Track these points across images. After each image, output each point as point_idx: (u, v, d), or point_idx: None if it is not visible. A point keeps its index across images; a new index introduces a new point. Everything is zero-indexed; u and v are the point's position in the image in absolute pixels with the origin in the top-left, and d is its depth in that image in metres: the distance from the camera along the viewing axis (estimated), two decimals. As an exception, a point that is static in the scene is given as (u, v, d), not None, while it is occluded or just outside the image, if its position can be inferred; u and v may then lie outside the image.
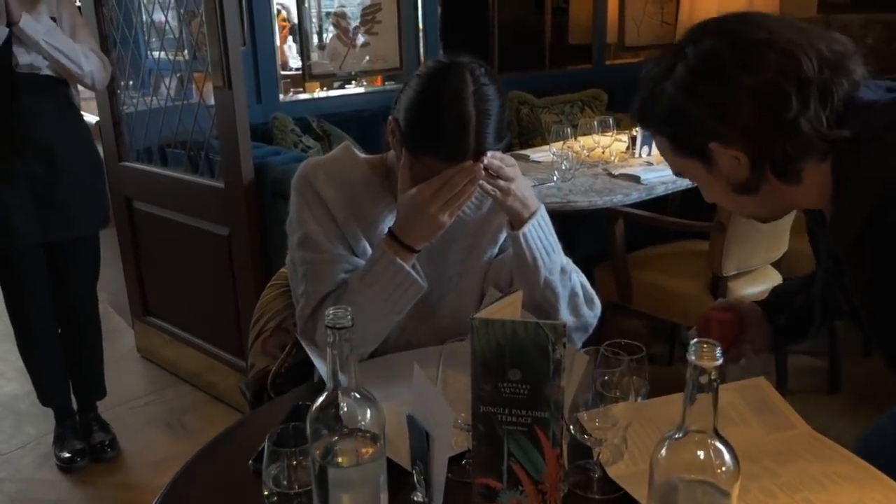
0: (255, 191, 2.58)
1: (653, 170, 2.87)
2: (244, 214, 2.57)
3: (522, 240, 1.35)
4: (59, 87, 2.39)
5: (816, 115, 0.99)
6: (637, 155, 3.16)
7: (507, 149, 3.88)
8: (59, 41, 2.29)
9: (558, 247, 1.40)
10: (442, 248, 1.48)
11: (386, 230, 1.41)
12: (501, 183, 1.31)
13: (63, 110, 2.41)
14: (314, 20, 3.66)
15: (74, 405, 2.77)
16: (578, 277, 1.43)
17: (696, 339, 0.77)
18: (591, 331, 1.45)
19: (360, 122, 3.67)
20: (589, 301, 1.44)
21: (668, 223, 2.64)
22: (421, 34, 3.95)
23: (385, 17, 3.87)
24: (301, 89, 3.76)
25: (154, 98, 2.99)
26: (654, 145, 3.19)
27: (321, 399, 0.90)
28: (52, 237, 2.44)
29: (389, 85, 4.02)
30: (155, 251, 3.14)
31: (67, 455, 2.62)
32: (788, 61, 0.98)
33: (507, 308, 1.07)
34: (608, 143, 3.13)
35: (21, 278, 2.46)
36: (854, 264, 1.07)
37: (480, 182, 1.28)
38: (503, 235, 1.49)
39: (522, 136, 4.01)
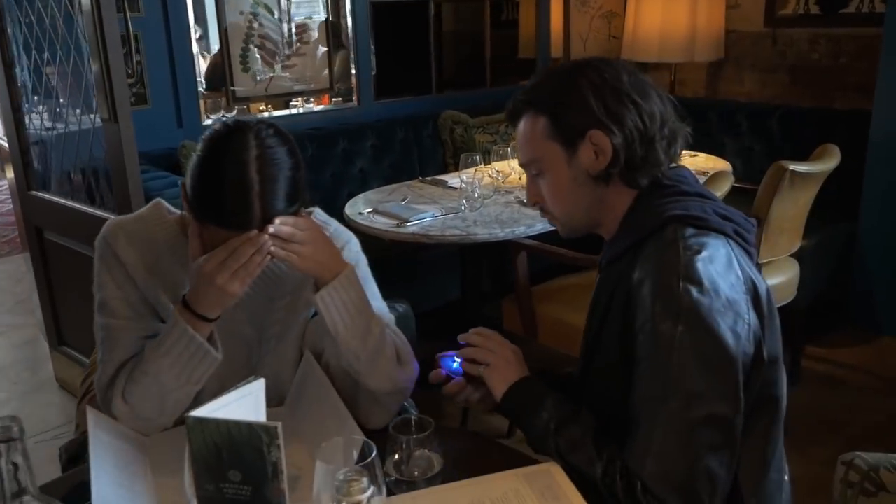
0: (147, 225, 2.52)
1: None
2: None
3: (320, 303, 1.30)
4: None
5: (665, 146, 1.22)
6: (556, 180, 3.09)
7: (442, 169, 3.82)
8: None
9: (366, 309, 1.33)
10: (261, 308, 1.43)
11: None
12: (296, 247, 1.25)
13: None
14: (238, 42, 3.60)
15: None
16: (392, 338, 1.38)
17: (343, 472, 0.72)
18: (407, 394, 1.40)
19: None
20: (404, 363, 1.38)
21: (565, 257, 2.58)
22: (352, 53, 3.89)
23: (313, 37, 3.82)
24: (239, 110, 3.70)
25: (56, 123, 2.94)
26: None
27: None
28: None
29: (337, 104, 3.98)
30: (66, 281, 3.09)
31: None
32: (664, 104, 1.24)
33: (248, 399, 1.02)
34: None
35: None
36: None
37: (271, 249, 1.23)
38: None
39: (457, 156, 3.95)
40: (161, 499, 1.16)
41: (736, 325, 1.10)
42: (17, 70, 3.12)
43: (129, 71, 2.43)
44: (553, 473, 1.17)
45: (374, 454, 1.01)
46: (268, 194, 1.20)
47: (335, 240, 1.41)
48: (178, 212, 1.43)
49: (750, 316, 1.13)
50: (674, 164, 1.26)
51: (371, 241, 2.74)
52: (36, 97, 3.11)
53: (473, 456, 1.28)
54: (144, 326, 1.35)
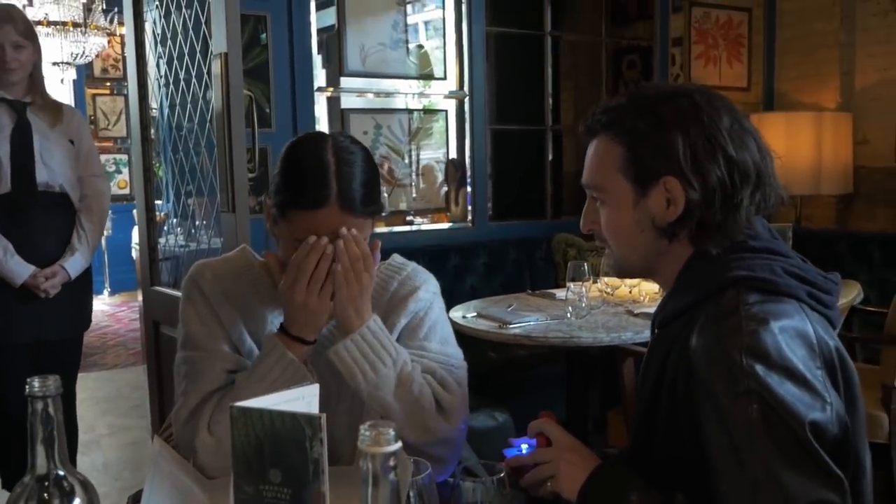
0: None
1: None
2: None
3: (334, 358, 1.25)
4: (67, 202, 2.64)
5: (751, 212, 1.08)
6: (670, 296, 2.96)
7: (553, 285, 3.71)
8: (91, 247, 2.70)
9: (391, 358, 1.26)
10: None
11: (274, 330, 1.34)
12: (358, 272, 1.22)
13: (69, 225, 2.66)
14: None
15: None
16: (434, 388, 1.29)
17: (369, 423, 0.64)
18: (455, 445, 1.30)
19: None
20: (443, 412, 1.29)
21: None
22: (469, 176, 3.99)
23: (437, 178, 3.99)
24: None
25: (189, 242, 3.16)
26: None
27: (21, 486, 0.80)
28: (44, 336, 2.63)
29: (458, 224, 4.09)
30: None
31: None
32: (764, 160, 1.08)
33: (299, 402, 0.95)
34: (635, 283, 2.96)
35: (10, 372, 2.58)
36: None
37: (336, 269, 1.21)
38: (403, 322, 1.37)
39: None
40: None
41: (815, 405, 0.95)
42: (163, 201, 3.45)
43: (251, 166, 2.58)
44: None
45: (428, 471, 0.91)
46: (344, 177, 1.22)
47: (412, 279, 1.38)
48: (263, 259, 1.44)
49: (830, 395, 0.97)
50: None
51: (474, 350, 2.69)
52: (175, 220, 3.41)
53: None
54: (227, 359, 1.33)
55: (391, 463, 0.62)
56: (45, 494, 0.80)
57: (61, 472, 0.80)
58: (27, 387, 0.78)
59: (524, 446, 1.23)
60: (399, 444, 0.62)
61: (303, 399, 0.96)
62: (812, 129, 4.09)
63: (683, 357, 1.03)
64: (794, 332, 0.98)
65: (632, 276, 1.20)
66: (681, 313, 1.09)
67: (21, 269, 2.51)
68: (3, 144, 2.48)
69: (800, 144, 4.10)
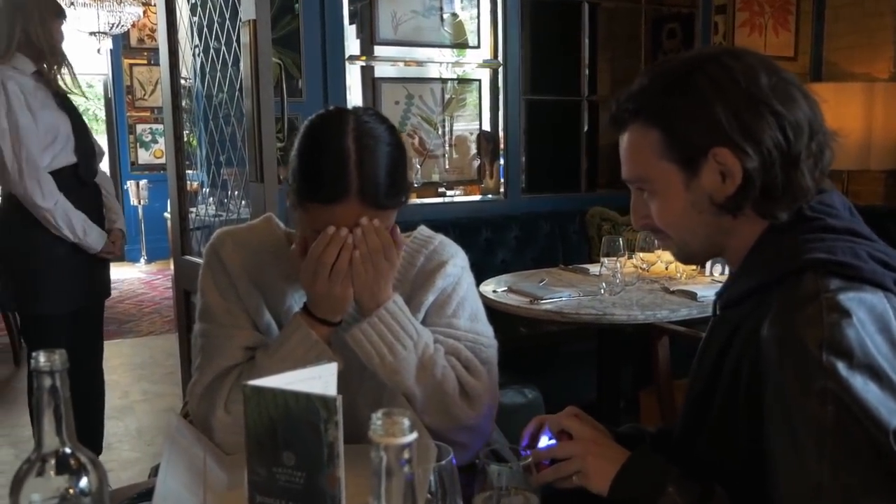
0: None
1: (717, 287, 2.58)
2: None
3: (351, 340, 1.21)
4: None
5: (811, 165, 1.00)
6: (708, 273, 2.88)
7: (587, 260, 3.65)
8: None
9: (412, 340, 1.21)
10: None
11: (294, 306, 1.31)
12: (378, 260, 1.17)
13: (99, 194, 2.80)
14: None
15: None
16: (460, 372, 1.24)
17: (382, 411, 0.59)
18: (482, 430, 1.26)
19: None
20: (467, 398, 1.24)
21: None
22: (502, 148, 3.91)
23: (470, 148, 3.92)
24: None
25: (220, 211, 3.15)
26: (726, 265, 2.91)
27: (28, 463, 0.77)
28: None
29: (490, 196, 4.02)
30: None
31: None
32: (812, 107, 1.00)
33: (315, 381, 0.91)
34: (672, 259, 2.88)
35: (45, 343, 2.62)
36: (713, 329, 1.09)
37: (354, 255, 1.16)
38: (430, 298, 1.32)
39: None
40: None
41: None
42: (197, 171, 3.47)
43: (280, 136, 2.55)
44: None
45: (450, 456, 0.87)
46: (365, 164, 1.14)
47: (439, 253, 1.32)
48: (289, 229, 1.40)
49: None
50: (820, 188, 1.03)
51: (504, 325, 2.64)
52: (207, 190, 3.41)
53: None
54: (246, 335, 1.30)
55: (406, 455, 0.57)
56: (53, 472, 0.77)
57: (69, 450, 0.77)
58: (32, 361, 0.75)
59: (544, 438, 1.17)
60: (415, 435, 0.57)
61: (320, 378, 0.92)
62: (862, 101, 3.93)
63: (751, 344, 0.96)
64: (878, 326, 0.89)
65: (698, 262, 1.11)
66: (749, 295, 1.01)
67: (101, 238, 2.71)
68: (63, 119, 2.63)
69: (849, 117, 3.95)
